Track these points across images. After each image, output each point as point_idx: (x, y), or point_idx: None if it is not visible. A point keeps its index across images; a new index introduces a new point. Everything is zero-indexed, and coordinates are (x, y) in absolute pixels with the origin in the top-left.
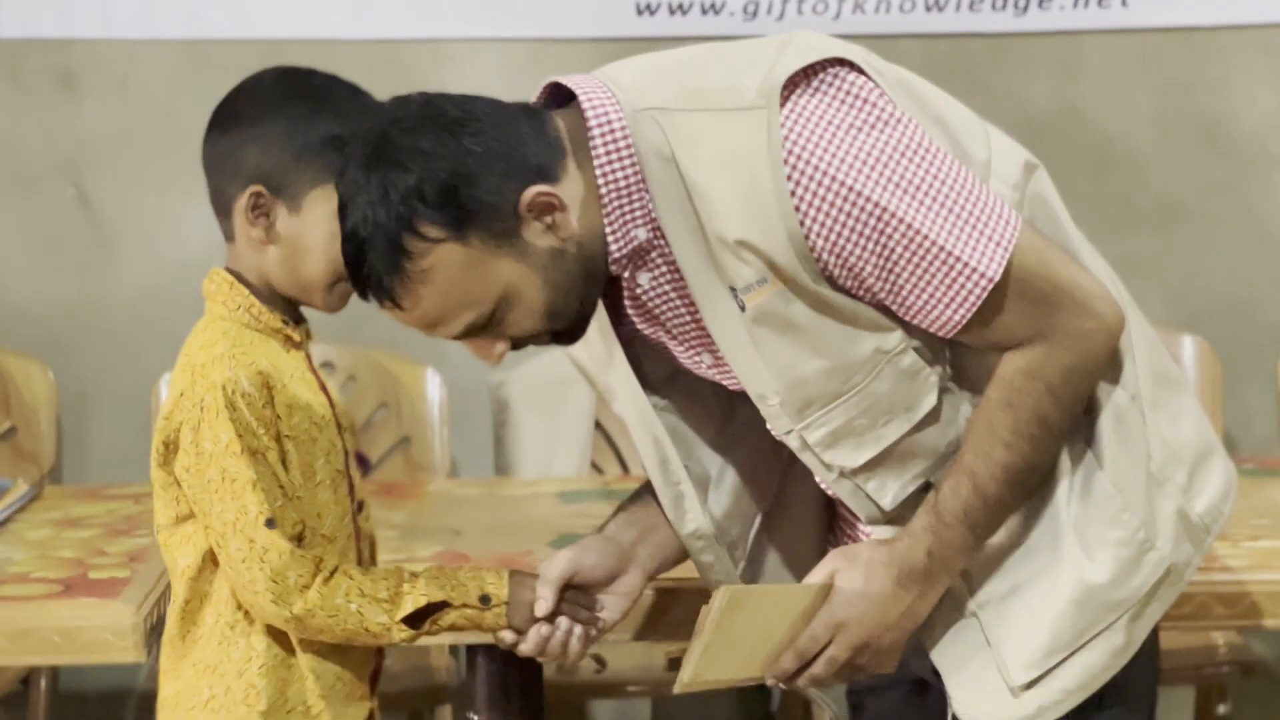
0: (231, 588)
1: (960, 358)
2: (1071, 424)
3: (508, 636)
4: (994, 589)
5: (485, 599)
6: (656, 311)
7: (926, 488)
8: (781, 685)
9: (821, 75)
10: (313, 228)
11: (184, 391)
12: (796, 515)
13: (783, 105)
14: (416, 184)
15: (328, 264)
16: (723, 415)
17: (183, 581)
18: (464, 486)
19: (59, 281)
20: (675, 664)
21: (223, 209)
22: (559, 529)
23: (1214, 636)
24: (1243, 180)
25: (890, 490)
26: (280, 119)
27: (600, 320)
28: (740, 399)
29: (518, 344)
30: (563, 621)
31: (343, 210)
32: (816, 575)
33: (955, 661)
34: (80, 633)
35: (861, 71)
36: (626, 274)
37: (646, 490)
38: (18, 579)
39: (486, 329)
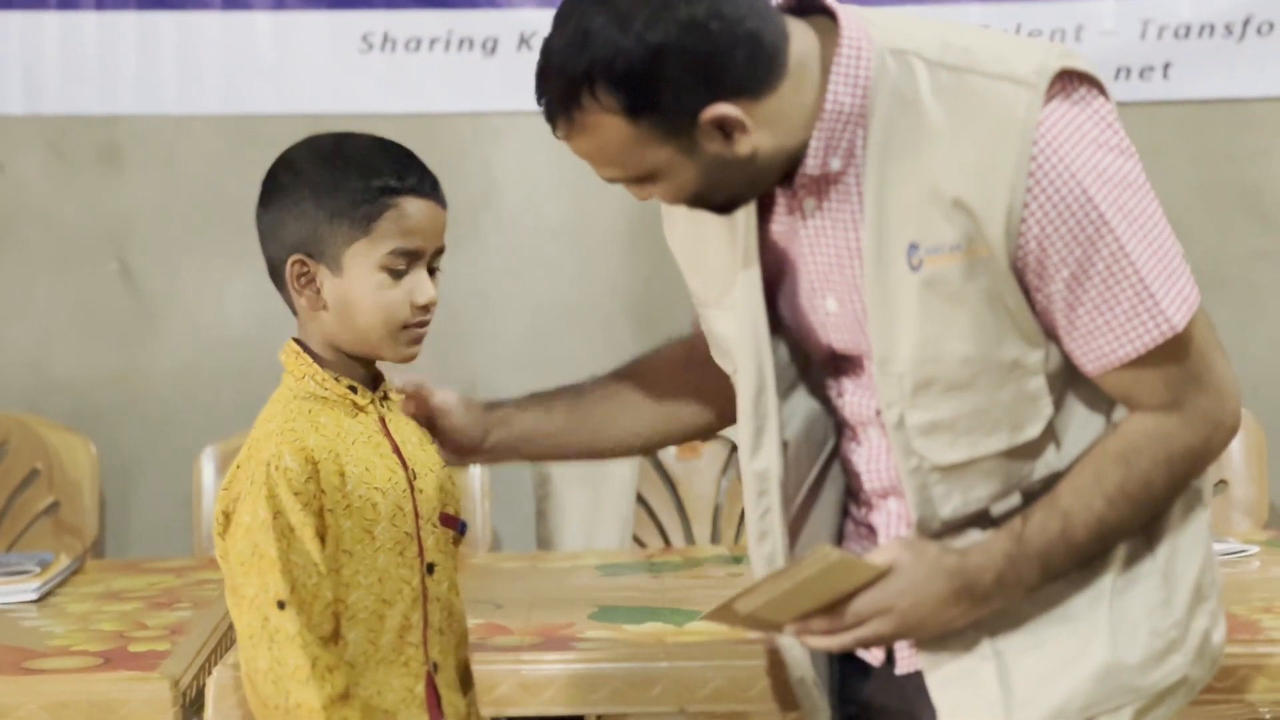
0: (242, 664)
1: (1068, 406)
2: (1167, 504)
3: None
4: (1019, 640)
5: None
6: (807, 243)
7: (980, 518)
8: (800, 640)
9: (1084, 89)
10: (357, 283)
11: (240, 464)
12: (816, 523)
13: (1048, 95)
14: (612, 55)
15: (380, 313)
16: (790, 380)
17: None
18: (505, 560)
19: (101, 355)
20: None
21: (278, 282)
22: (600, 602)
23: (1260, 711)
24: None
25: (953, 503)
26: (309, 186)
27: (746, 226)
28: (799, 378)
29: (670, 202)
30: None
31: (556, 18)
32: (880, 556)
33: (957, 701)
34: (120, 706)
35: (1110, 104)
36: (792, 200)
37: (557, 397)
38: (58, 652)
39: (634, 183)
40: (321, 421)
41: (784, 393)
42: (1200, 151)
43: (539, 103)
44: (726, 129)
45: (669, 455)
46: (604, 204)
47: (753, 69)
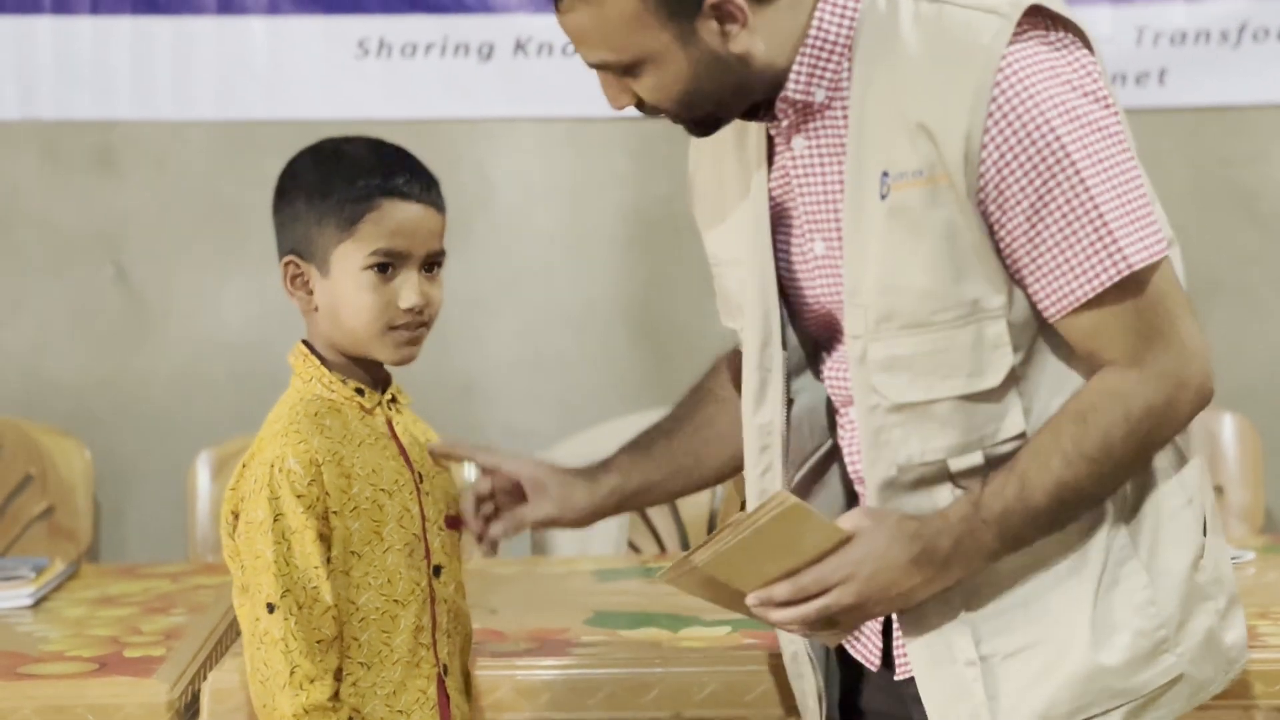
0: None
1: (1037, 367)
2: (1133, 467)
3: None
4: (1003, 643)
5: None
6: (796, 182)
7: (940, 475)
8: (763, 617)
9: (1064, 34)
10: (343, 283)
11: (246, 464)
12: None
13: (1020, 32)
14: None
15: (365, 314)
16: (799, 361)
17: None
18: (501, 565)
19: (97, 359)
20: None
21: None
22: (595, 607)
23: (1255, 716)
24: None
25: (910, 447)
26: (303, 188)
27: (758, 176)
28: (805, 363)
29: (644, 109)
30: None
31: None
32: (842, 523)
33: (945, 706)
34: (115, 711)
35: (1092, 57)
36: (782, 133)
37: (650, 441)
38: (53, 657)
39: (619, 74)
40: (327, 424)
41: (793, 370)
42: (1196, 157)
43: None
44: (725, 21)
45: None
46: (600, 210)
47: None
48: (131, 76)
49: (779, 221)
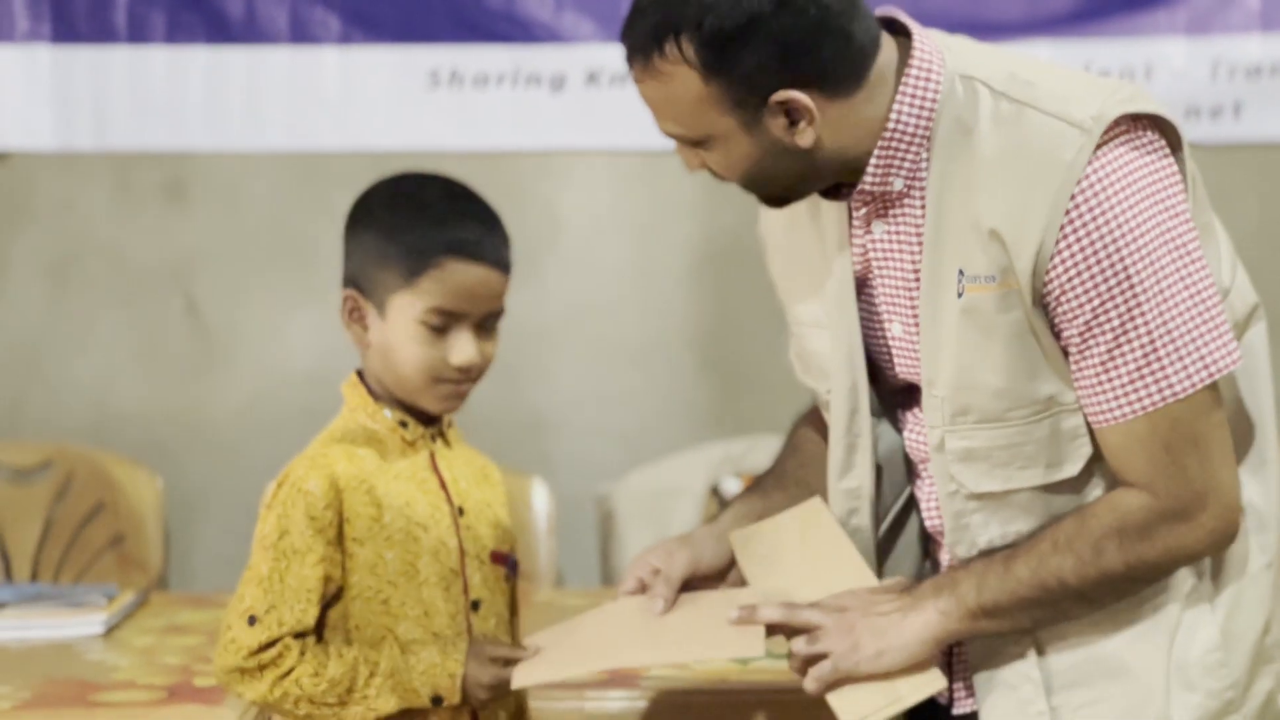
0: None
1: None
2: (1125, 585)
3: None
4: (1074, 695)
5: (437, 700)
6: (875, 264)
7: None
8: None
9: (1149, 134)
10: (397, 331)
11: (280, 482)
12: (900, 554)
13: (1103, 141)
14: (705, 10)
15: (416, 365)
16: (876, 410)
17: None
18: (570, 597)
19: (167, 389)
20: None
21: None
22: None
23: None
24: None
25: (990, 531)
26: (375, 225)
27: (840, 244)
28: (882, 411)
29: (716, 174)
30: None
31: None
32: (889, 579)
33: None
34: None
35: (1179, 152)
36: (860, 217)
37: (760, 486)
38: (123, 685)
39: (690, 146)
40: (361, 452)
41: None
42: (1270, 192)
43: (622, 39)
44: (793, 116)
45: (733, 493)
46: (667, 244)
47: (835, 67)
48: (204, 107)
49: (859, 294)
